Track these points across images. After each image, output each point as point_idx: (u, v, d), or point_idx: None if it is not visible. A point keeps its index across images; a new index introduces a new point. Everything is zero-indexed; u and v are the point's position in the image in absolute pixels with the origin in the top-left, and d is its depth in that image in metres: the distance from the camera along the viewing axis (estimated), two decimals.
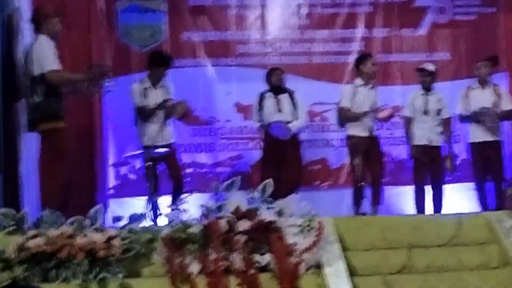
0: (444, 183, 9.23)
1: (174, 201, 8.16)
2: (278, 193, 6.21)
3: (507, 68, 10.54)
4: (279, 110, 9.05)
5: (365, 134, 8.91)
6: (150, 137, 8.67)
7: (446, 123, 9.24)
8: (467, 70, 10.38)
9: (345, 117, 9.01)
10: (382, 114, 9.18)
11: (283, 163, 8.90)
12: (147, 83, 8.81)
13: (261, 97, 9.16)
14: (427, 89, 9.23)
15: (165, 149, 8.58)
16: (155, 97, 8.74)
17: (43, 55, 6.91)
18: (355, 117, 8.89)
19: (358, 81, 9.02)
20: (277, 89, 9.16)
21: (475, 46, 10.66)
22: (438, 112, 9.17)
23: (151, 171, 8.58)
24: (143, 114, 8.74)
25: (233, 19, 10.48)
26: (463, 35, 10.82)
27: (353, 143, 8.91)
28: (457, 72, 10.61)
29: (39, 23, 7.15)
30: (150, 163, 8.52)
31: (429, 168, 9.18)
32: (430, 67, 9.32)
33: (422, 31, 10.76)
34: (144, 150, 8.63)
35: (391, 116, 9.36)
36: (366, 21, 10.67)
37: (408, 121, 9.27)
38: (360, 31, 10.67)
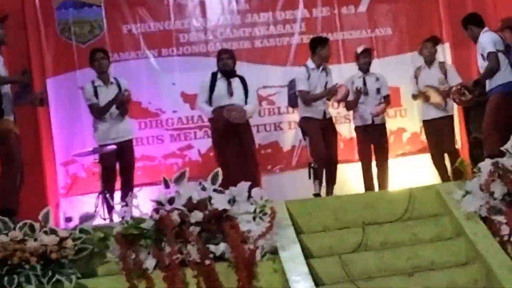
0: (388, 160, 9.35)
1: (124, 197, 8.11)
2: (234, 181, 6.20)
3: (448, 40, 10.60)
4: (231, 94, 8.80)
5: (319, 116, 8.92)
6: (103, 135, 8.61)
7: (386, 99, 9.33)
8: (409, 44, 10.45)
9: (304, 99, 8.97)
10: (339, 94, 9.17)
11: (237, 149, 8.70)
12: (97, 81, 8.73)
13: (213, 78, 8.88)
14: (365, 70, 9.30)
15: (116, 146, 8.48)
16: (106, 94, 8.65)
17: None
18: (313, 99, 8.89)
19: (310, 63, 9.01)
20: (228, 73, 8.90)
21: (416, 20, 10.72)
22: (378, 91, 9.25)
23: (103, 168, 8.52)
24: (96, 112, 8.67)
25: (172, 9, 10.37)
26: (404, 10, 10.83)
27: (307, 124, 8.90)
28: (399, 47, 10.66)
29: None
30: (104, 159, 8.47)
31: (374, 146, 9.25)
32: (366, 47, 9.40)
33: (362, 8, 10.76)
34: (97, 147, 8.54)
35: (346, 96, 9.34)
36: (306, 2, 10.64)
37: (349, 102, 9.32)
38: (300, 12, 10.63)
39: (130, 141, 8.89)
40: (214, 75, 8.88)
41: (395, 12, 10.82)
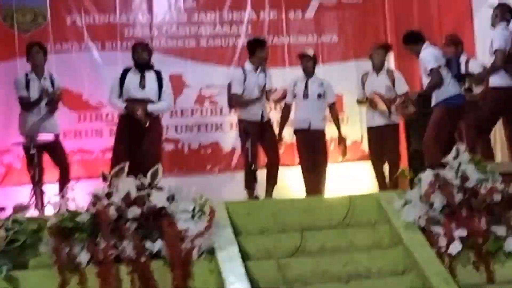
0: (326, 167, 9.35)
1: (61, 190, 7.97)
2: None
3: (393, 49, 10.64)
4: (143, 87, 8.60)
5: (256, 118, 8.88)
6: (32, 127, 8.51)
7: (331, 108, 9.33)
8: (354, 52, 10.50)
9: (237, 103, 8.95)
10: (274, 96, 9.19)
11: (140, 146, 8.49)
12: (30, 74, 8.62)
13: (124, 72, 8.70)
14: (309, 74, 9.28)
15: (48, 138, 8.35)
16: (37, 88, 8.59)
17: None
18: (246, 103, 8.85)
19: (248, 65, 8.98)
20: (143, 66, 8.70)
21: (362, 27, 10.81)
22: (319, 96, 9.23)
23: (35, 160, 8.37)
24: (25, 105, 8.59)
25: (118, 2, 10.28)
26: (350, 17, 10.93)
27: (244, 127, 8.86)
28: (345, 54, 10.71)
29: None
30: (33, 151, 8.32)
31: (313, 151, 9.24)
32: (310, 51, 9.40)
33: (310, 13, 10.80)
34: (26, 138, 8.41)
35: (284, 97, 9.35)
36: (253, 3, 10.65)
37: (287, 106, 9.32)
38: (248, 13, 10.62)
39: (57, 136, 8.82)
40: (126, 70, 8.74)
41: (341, 19, 10.92)
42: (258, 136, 8.87)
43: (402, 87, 9.27)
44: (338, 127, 9.46)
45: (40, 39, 9.22)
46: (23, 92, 8.59)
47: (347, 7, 10.91)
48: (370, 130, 9.44)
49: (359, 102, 9.50)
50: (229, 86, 9.16)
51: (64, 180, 8.38)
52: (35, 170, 8.36)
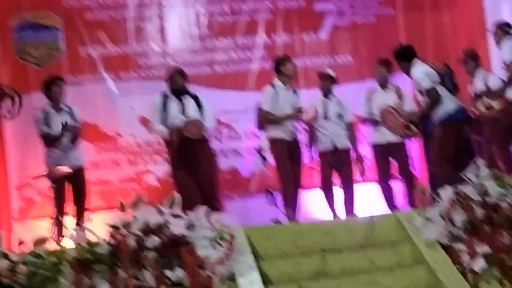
0: (353, 186, 9.24)
1: (79, 222, 7.98)
2: (194, 204, 6.09)
3: None
4: (183, 113, 8.48)
5: (289, 137, 8.84)
6: (55, 162, 8.49)
7: (350, 127, 9.27)
8: (369, 72, 10.46)
9: (267, 120, 8.88)
10: (306, 116, 9.09)
11: (195, 170, 8.39)
12: (49, 109, 8.63)
13: (164, 98, 8.60)
14: (327, 93, 9.23)
15: (68, 171, 8.34)
16: (58, 122, 8.56)
17: None
18: (278, 121, 8.80)
19: (277, 82, 8.91)
20: (179, 92, 8.64)
21: (376, 47, 10.76)
22: (339, 116, 9.19)
23: (57, 193, 8.38)
24: (48, 142, 8.59)
25: (132, 32, 10.33)
26: (364, 37, 10.92)
27: (276, 146, 8.80)
28: (359, 74, 10.68)
29: None
30: (55, 185, 8.32)
31: (338, 172, 9.16)
32: (329, 71, 9.37)
33: (323, 35, 10.81)
34: (49, 171, 8.40)
35: (316, 117, 9.25)
36: (266, 28, 10.67)
37: (310, 127, 9.26)
38: (261, 37, 10.64)
39: (81, 167, 8.79)
40: (165, 96, 8.64)
41: (355, 40, 10.90)
42: (288, 156, 8.80)
43: (409, 105, 9.16)
44: (356, 146, 9.39)
45: (54, 72, 9.23)
46: (44, 128, 8.58)
47: (361, 27, 10.91)
48: (376, 147, 9.28)
49: (366, 120, 9.37)
50: (259, 106, 9.12)
51: (82, 213, 8.37)
52: (57, 202, 8.37)
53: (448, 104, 8.03)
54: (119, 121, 10.07)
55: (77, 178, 8.64)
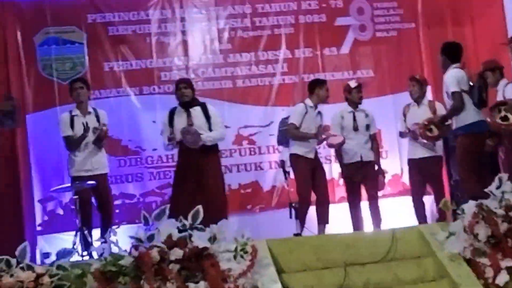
0: (378, 199, 9.23)
1: (103, 234, 7.99)
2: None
3: (429, 82, 10.62)
4: (191, 125, 8.41)
5: (311, 155, 8.88)
6: (78, 167, 8.46)
7: (373, 139, 9.26)
8: (391, 86, 10.49)
9: (293, 134, 8.90)
10: (332, 140, 9.06)
11: (201, 182, 8.33)
12: (75, 111, 8.61)
13: (171, 114, 8.59)
14: (355, 105, 9.23)
15: (93, 182, 8.29)
16: (83, 125, 8.49)
17: None
18: (304, 137, 8.83)
19: (309, 102, 8.97)
20: (187, 103, 8.59)
21: (397, 62, 10.79)
22: (367, 127, 9.19)
23: (80, 204, 8.29)
24: (71, 144, 8.53)
25: (154, 47, 10.40)
26: (385, 52, 10.95)
27: (297, 162, 8.82)
28: (381, 89, 10.69)
29: None
30: (77, 196, 8.25)
31: (364, 184, 9.16)
32: (356, 83, 9.37)
33: (344, 49, 10.82)
34: (72, 182, 8.39)
35: (342, 143, 9.23)
36: (288, 42, 10.69)
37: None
38: (283, 52, 10.67)
39: (105, 175, 8.76)
40: (172, 111, 8.63)
41: (376, 54, 10.91)
42: (309, 173, 8.83)
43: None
44: (378, 159, 9.38)
45: None
46: (68, 131, 8.49)
47: (382, 41, 10.93)
48: (412, 161, 9.22)
49: (402, 134, 9.36)
50: (284, 121, 9.18)
51: (106, 224, 8.37)
52: (80, 214, 8.26)
53: (470, 115, 8.02)
54: (141, 135, 10.11)
55: (100, 188, 8.52)
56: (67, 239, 8.73)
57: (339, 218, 9.27)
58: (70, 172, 8.58)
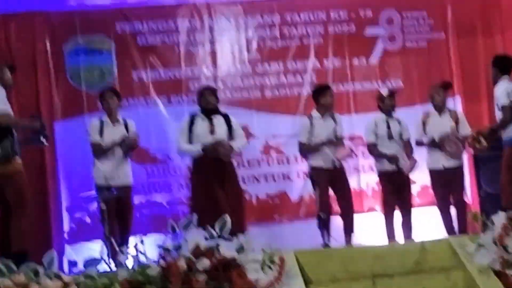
0: (412, 209, 9.21)
1: (126, 243, 7.98)
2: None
3: (459, 92, 10.59)
4: (212, 132, 8.50)
5: (328, 165, 8.83)
6: (104, 175, 8.45)
7: (406, 146, 9.20)
8: (420, 96, 10.42)
9: (305, 150, 8.94)
10: (339, 154, 9.05)
11: (223, 190, 8.37)
12: (105, 118, 8.65)
13: (192, 120, 8.64)
14: (389, 113, 9.17)
15: (118, 190, 8.32)
16: (111, 133, 8.56)
17: None
18: (315, 149, 8.82)
19: (315, 113, 8.97)
20: (210, 111, 8.64)
21: (427, 72, 10.74)
22: (401, 135, 9.14)
23: (106, 213, 8.30)
24: (98, 152, 8.58)
25: (183, 57, 10.41)
26: (415, 62, 10.89)
27: (316, 174, 8.79)
28: (410, 99, 10.62)
29: None
30: (104, 204, 8.25)
31: (397, 194, 9.10)
32: (388, 90, 9.34)
33: (374, 59, 10.79)
34: (98, 190, 8.44)
35: (349, 155, 9.25)
36: (317, 52, 10.67)
37: (373, 148, 9.16)
38: (311, 62, 10.65)
39: (130, 187, 8.79)
40: (193, 116, 8.67)
41: (406, 64, 10.85)
42: (330, 183, 8.78)
43: (466, 128, 9.07)
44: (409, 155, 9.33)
45: None
46: (96, 137, 8.54)
47: (412, 52, 10.87)
48: (434, 172, 9.18)
49: (419, 143, 9.28)
50: (299, 136, 9.20)
51: (125, 234, 8.37)
52: (107, 223, 8.28)
53: None
54: (169, 145, 10.10)
55: (124, 198, 8.55)
56: (93, 248, 8.75)
57: (368, 229, 9.22)
58: (94, 179, 8.60)
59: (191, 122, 8.60)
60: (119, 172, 8.58)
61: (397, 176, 9.04)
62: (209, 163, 8.37)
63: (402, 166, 9.02)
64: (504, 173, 8.07)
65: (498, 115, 8.20)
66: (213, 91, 8.80)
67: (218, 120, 8.59)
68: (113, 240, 8.11)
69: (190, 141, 8.55)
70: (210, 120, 8.55)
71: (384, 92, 9.32)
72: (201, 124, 8.55)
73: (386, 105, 9.20)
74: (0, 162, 6.86)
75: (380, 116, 9.22)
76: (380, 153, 9.09)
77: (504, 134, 8.12)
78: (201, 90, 8.89)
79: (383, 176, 9.18)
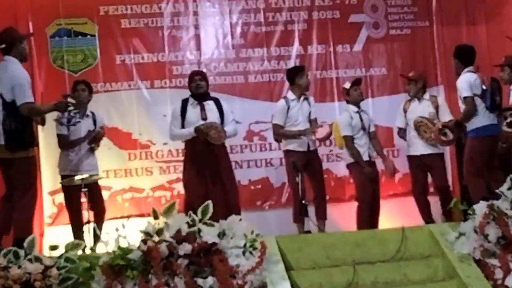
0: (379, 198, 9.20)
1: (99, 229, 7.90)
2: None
3: (443, 81, 10.61)
4: (204, 118, 8.37)
5: (302, 149, 8.78)
6: (68, 165, 8.41)
7: (374, 136, 9.24)
8: (403, 84, 10.41)
9: (278, 133, 8.87)
10: (319, 135, 9.04)
11: (217, 174, 8.31)
12: (73, 112, 8.55)
13: (183, 105, 8.52)
14: (358, 104, 9.16)
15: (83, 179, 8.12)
16: (79, 127, 8.36)
17: (20, 85, 6.82)
18: (289, 136, 8.78)
19: (290, 95, 8.90)
20: (201, 96, 8.52)
21: (410, 60, 10.74)
22: (369, 127, 9.15)
23: (73, 200, 8.33)
24: (63, 144, 8.52)
25: (167, 41, 10.35)
26: (399, 49, 10.89)
27: (291, 158, 8.74)
28: (394, 87, 10.64)
29: (8, 46, 6.99)
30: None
31: (373, 183, 9.08)
32: (356, 78, 9.34)
33: (358, 47, 10.77)
34: (64, 178, 8.35)
35: (329, 136, 9.27)
36: (301, 39, 10.64)
37: (350, 140, 9.12)
38: (295, 48, 10.62)
39: (96, 175, 8.60)
40: (184, 101, 8.56)
41: (390, 52, 10.85)
42: (305, 167, 8.73)
43: (446, 115, 9.04)
44: (382, 153, 9.37)
45: (90, 79, 9.24)
46: (63, 130, 8.40)
47: (396, 39, 10.88)
48: (412, 158, 9.16)
49: (400, 130, 9.28)
50: (273, 118, 9.14)
51: (99, 222, 8.30)
52: (74, 210, 8.31)
53: (481, 118, 8.03)
54: (152, 129, 10.07)
55: (92, 188, 8.30)
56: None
57: (349, 217, 9.21)
58: (59, 169, 8.56)
59: (183, 108, 8.52)
60: (84, 164, 8.49)
61: (371, 165, 9.06)
62: (201, 148, 8.30)
63: (374, 158, 9.06)
64: (467, 165, 8.09)
65: (462, 107, 8.22)
66: (203, 75, 8.72)
67: (210, 106, 8.51)
68: (95, 225, 8.06)
69: (183, 127, 8.45)
70: (202, 106, 8.48)
71: (346, 85, 9.27)
72: (193, 111, 8.46)
73: (353, 96, 9.16)
74: (26, 147, 6.88)
75: (353, 108, 9.13)
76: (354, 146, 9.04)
77: (468, 125, 8.14)
78: (191, 75, 8.80)
79: (357, 165, 9.10)
